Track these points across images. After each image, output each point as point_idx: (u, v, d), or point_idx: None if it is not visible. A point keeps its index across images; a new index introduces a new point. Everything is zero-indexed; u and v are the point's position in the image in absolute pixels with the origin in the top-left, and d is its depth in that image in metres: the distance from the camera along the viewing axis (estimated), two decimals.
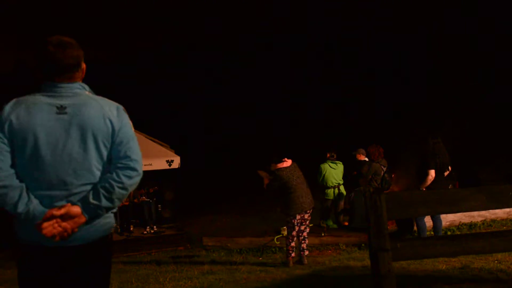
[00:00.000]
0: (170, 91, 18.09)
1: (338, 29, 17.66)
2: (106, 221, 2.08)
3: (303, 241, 6.50)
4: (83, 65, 2.14)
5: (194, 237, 9.85)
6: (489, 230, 7.05)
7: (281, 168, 6.39)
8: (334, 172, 9.19)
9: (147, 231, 10.66)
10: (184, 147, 11.78)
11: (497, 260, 5.21)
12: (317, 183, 9.22)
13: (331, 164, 9.23)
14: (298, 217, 6.38)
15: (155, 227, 10.83)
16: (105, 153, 2.04)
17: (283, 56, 18.39)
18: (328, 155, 9.38)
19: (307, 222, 6.53)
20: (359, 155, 9.13)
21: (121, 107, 2.15)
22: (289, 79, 18.39)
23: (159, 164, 10.04)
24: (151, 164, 9.92)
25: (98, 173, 2.03)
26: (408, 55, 16.39)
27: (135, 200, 10.63)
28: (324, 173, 9.18)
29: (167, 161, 10.06)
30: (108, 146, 2.05)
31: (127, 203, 10.57)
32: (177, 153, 10.60)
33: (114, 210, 2.16)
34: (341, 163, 9.39)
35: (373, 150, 8.34)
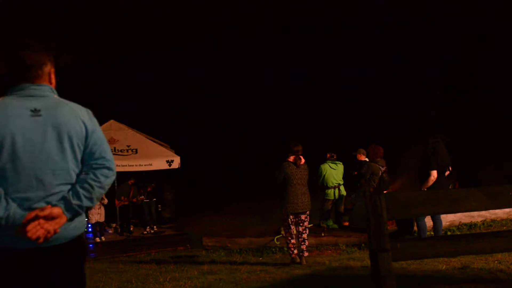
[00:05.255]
0: (170, 91, 18.12)
1: (337, 29, 17.72)
2: (81, 219, 2.14)
3: (302, 243, 6.45)
4: (51, 69, 2.16)
5: (194, 237, 9.84)
6: (489, 230, 7.05)
7: (287, 161, 6.44)
8: (334, 172, 9.19)
9: (147, 231, 10.67)
10: (184, 147, 11.77)
11: (497, 260, 5.21)
12: (317, 184, 9.22)
13: (331, 165, 9.23)
14: (292, 216, 6.39)
15: (155, 227, 10.84)
16: (79, 154, 2.10)
17: (283, 56, 18.41)
18: (328, 155, 9.37)
19: (305, 223, 6.49)
20: (359, 155, 9.11)
21: (90, 111, 2.22)
22: (288, 79, 18.42)
23: (159, 164, 10.06)
24: (151, 164, 9.93)
25: (73, 174, 2.08)
26: (407, 55, 16.40)
27: (134, 200, 10.63)
28: (324, 173, 9.18)
29: (167, 161, 10.08)
30: (82, 147, 2.11)
31: (126, 203, 10.57)
32: (177, 153, 10.60)
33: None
34: (341, 163, 9.38)
35: (371, 150, 8.32)
